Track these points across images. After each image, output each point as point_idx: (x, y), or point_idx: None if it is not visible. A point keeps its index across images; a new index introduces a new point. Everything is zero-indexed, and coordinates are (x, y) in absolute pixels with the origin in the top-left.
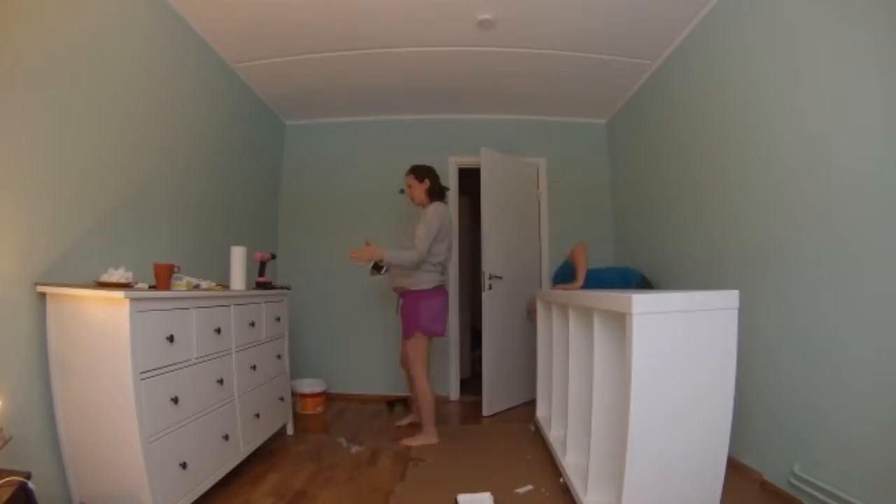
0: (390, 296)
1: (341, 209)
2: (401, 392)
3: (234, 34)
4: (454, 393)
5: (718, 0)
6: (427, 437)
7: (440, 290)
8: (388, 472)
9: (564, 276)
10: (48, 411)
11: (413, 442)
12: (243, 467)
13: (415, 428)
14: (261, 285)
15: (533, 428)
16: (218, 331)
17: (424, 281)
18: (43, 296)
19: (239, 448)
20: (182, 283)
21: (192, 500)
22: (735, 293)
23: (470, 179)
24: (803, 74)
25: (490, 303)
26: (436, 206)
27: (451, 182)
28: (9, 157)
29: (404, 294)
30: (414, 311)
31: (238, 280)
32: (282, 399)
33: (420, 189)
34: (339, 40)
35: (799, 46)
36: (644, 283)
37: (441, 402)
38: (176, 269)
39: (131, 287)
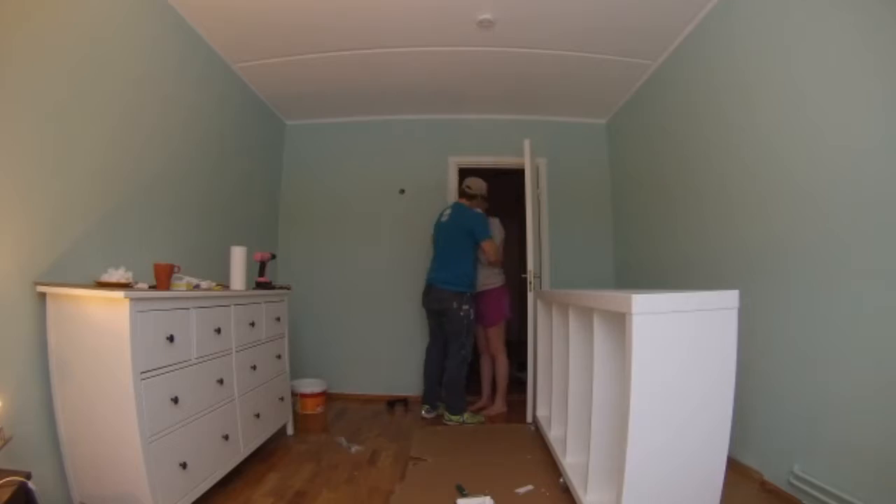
0: (390, 296)
1: (341, 209)
2: (401, 392)
3: (235, 34)
4: None
5: (718, 1)
6: (500, 407)
7: (506, 284)
8: (388, 472)
9: None
10: (48, 411)
11: (491, 411)
12: (243, 467)
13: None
14: (261, 285)
15: (533, 428)
16: (218, 331)
17: (501, 280)
18: (43, 296)
19: (239, 448)
20: (182, 283)
21: (192, 500)
22: (735, 293)
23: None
24: (802, 74)
25: (533, 303)
26: (497, 221)
27: (451, 182)
28: (9, 157)
29: (485, 292)
30: (499, 304)
31: (238, 280)
32: (282, 399)
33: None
34: (340, 41)
35: (797, 47)
36: None
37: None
38: (176, 269)
39: (131, 287)
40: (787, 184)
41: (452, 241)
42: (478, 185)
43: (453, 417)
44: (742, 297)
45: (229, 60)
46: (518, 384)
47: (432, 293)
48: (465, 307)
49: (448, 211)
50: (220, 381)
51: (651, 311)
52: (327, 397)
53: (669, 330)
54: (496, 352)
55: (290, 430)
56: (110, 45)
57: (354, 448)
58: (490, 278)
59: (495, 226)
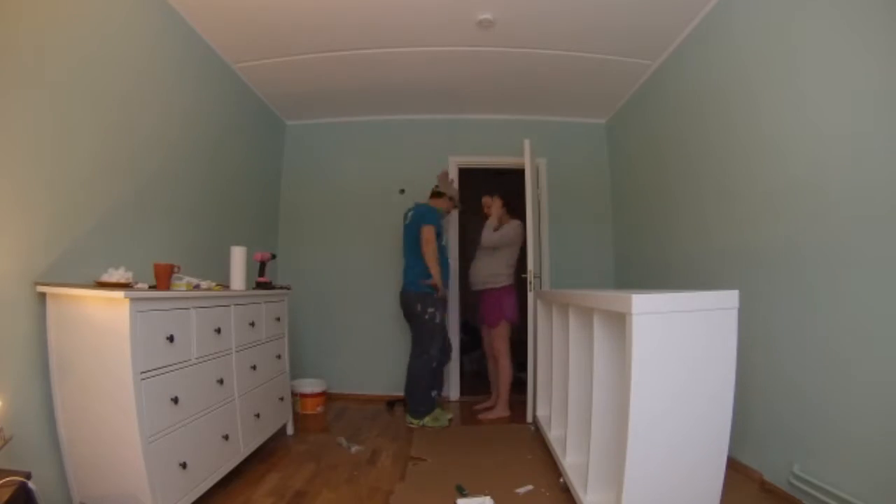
0: (390, 296)
1: (341, 209)
2: (401, 392)
3: (235, 34)
4: (454, 393)
5: (718, 1)
6: (500, 411)
7: (513, 286)
8: (388, 472)
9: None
10: (48, 411)
11: (490, 415)
12: (243, 467)
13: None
14: (261, 285)
15: (533, 428)
16: (218, 331)
17: (506, 280)
18: (43, 296)
19: (239, 448)
20: (182, 283)
21: (192, 500)
22: (735, 293)
23: (469, 178)
24: (802, 73)
25: (533, 303)
26: (517, 224)
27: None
28: (9, 157)
29: (486, 291)
30: (501, 304)
31: (238, 280)
32: (282, 399)
33: (499, 207)
34: (340, 40)
35: (797, 46)
36: None
37: (442, 402)
38: (176, 269)
39: (131, 287)
40: (787, 183)
41: (413, 241)
42: (446, 184)
43: (413, 420)
44: (742, 297)
45: (229, 60)
46: (518, 384)
47: (401, 297)
48: (430, 310)
49: (410, 213)
50: (220, 381)
51: (651, 311)
52: (327, 397)
53: (669, 330)
54: (498, 354)
55: (290, 430)
56: (110, 46)
57: (354, 448)
58: (493, 277)
59: (515, 228)
